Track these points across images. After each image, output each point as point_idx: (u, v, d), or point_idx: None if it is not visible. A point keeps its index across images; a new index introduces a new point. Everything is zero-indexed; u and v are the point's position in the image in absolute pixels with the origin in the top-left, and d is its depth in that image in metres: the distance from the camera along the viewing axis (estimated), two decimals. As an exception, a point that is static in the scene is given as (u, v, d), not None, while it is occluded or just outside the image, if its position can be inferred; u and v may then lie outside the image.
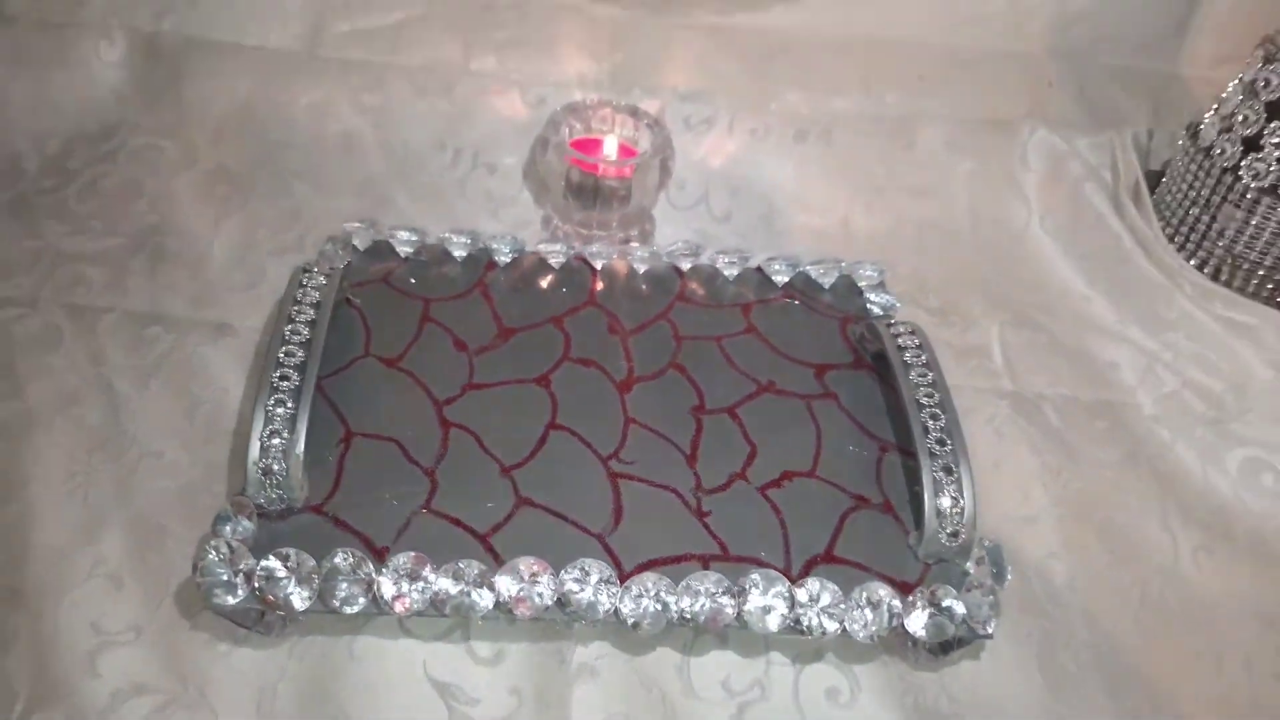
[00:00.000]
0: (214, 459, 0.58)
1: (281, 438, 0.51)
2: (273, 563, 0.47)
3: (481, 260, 0.67)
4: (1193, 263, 0.74)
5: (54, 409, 0.59)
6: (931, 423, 0.55)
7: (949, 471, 0.53)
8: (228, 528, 0.49)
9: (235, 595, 0.47)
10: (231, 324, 0.66)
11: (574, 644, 0.52)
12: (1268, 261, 0.70)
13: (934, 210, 0.82)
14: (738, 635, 0.53)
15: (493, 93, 0.82)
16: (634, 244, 0.68)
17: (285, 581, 0.47)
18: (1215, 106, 0.73)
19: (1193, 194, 0.72)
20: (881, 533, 0.54)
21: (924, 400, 0.56)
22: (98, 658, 0.49)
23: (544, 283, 0.67)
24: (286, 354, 0.54)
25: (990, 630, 0.50)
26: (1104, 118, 0.86)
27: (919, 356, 0.58)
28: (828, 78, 0.88)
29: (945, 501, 0.52)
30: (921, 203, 0.82)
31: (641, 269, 0.68)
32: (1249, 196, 0.68)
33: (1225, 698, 0.54)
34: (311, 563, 0.48)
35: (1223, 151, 0.69)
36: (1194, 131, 0.74)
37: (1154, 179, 0.81)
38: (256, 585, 0.47)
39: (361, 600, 0.48)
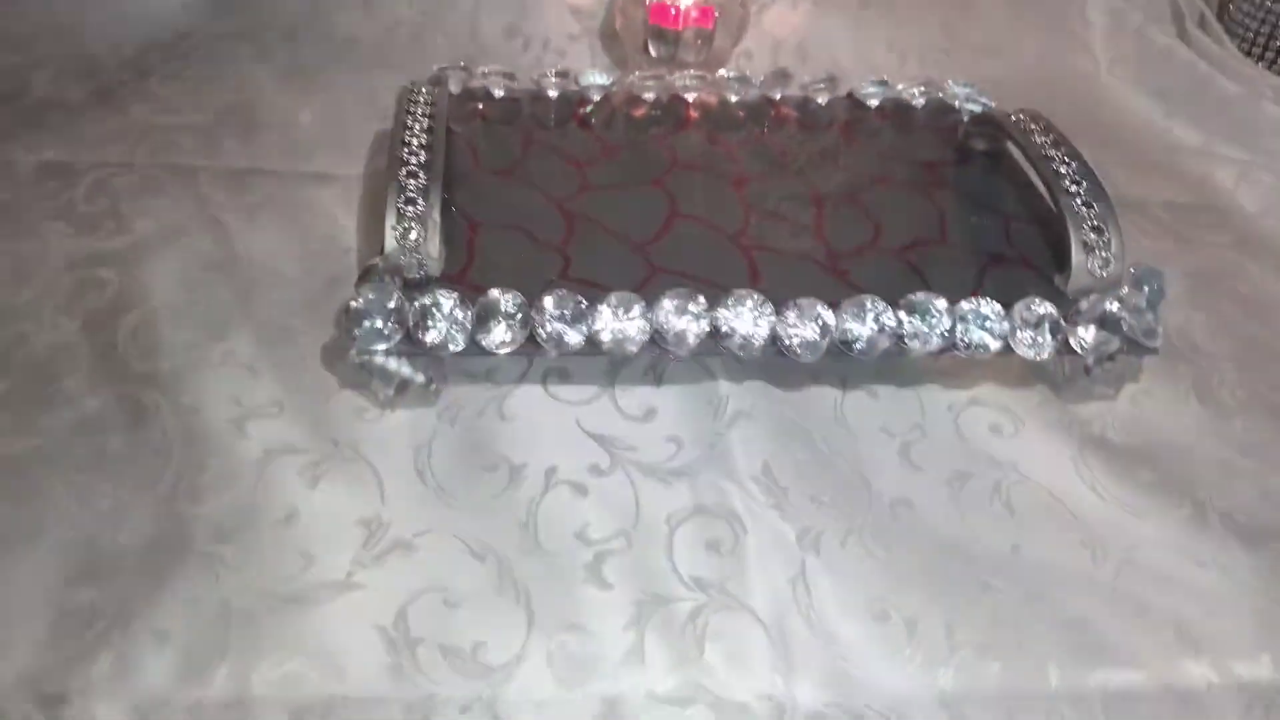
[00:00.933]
0: (335, 273, 0.57)
1: (416, 205, 0.50)
2: (425, 300, 0.46)
3: (574, 98, 0.67)
4: (1275, 69, 0.75)
5: (163, 240, 0.59)
6: (1064, 167, 0.54)
7: (1089, 206, 0.52)
8: (373, 281, 0.48)
9: (388, 339, 0.46)
10: (331, 173, 0.66)
11: (723, 391, 0.50)
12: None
13: (1001, 69, 0.83)
14: (888, 378, 0.52)
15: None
16: (724, 77, 0.68)
17: (438, 323, 0.46)
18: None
19: (1263, 5, 0.73)
20: (1026, 281, 0.53)
21: (1052, 153, 0.55)
22: (245, 424, 0.48)
23: (639, 113, 0.67)
24: (411, 136, 0.53)
25: (1156, 343, 0.49)
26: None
27: (1038, 124, 0.58)
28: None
29: (1089, 233, 0.51)
30: (988, 62, 0.83)
31: (734, 98, 0.68)
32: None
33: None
34: (465, 305, 0.47)
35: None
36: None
37: (1220, 9, 0.82)
38: (412, 323, 0.46)
39: (516, 340, 0.46)
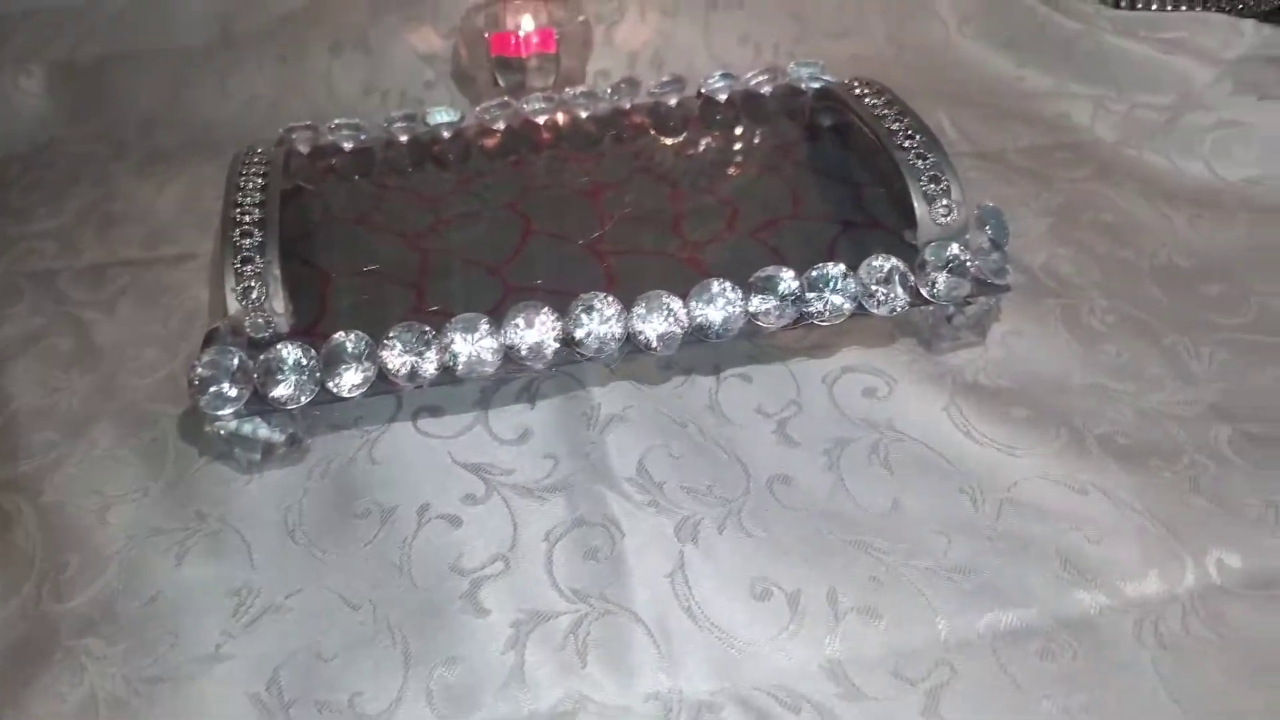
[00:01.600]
0: (196, 349, 0.56)
1: (254, 264, 0.49)
2: (273, 353, 0.45)
3: (425, 139, 0.67)
4: (1122, 5, 0.76)
5: (20, 345, 0.58)
6: (896, 124, 0.55)
7: (923, 157, 0.53)
8: (216, 349, 0.47)
9: (234, 403, 0.45)
10: (192, 252, 0.65)
11: (596, 399, 0.50)
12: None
13: (856, 47, 0.84)
14: (760, 359, 0.51)
15: (406, 32, 0.83)
16: (569, 91, 0.68)
17: (286, 374, 0.45)
18: None
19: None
20: (876, 242, 0.53)
21: (884, 114, 0.56)
22: (107, 513, 0.46)
23: (491, 143, 0.66)
24: (243, 195, 0.52)
25: (1007, 281, 0.49)
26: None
27: (872, 89, 0.59)
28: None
29: (927, 184, 0.52)
30: (842, 43, 0.84)
31: (584, 114, 0.68)
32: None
33: (1260, 326, 0.53)
34: (311, 353, 0.46)
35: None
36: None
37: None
38: (257, 380, 0.45)
39: (366, 380, 0.46)
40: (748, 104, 0.69)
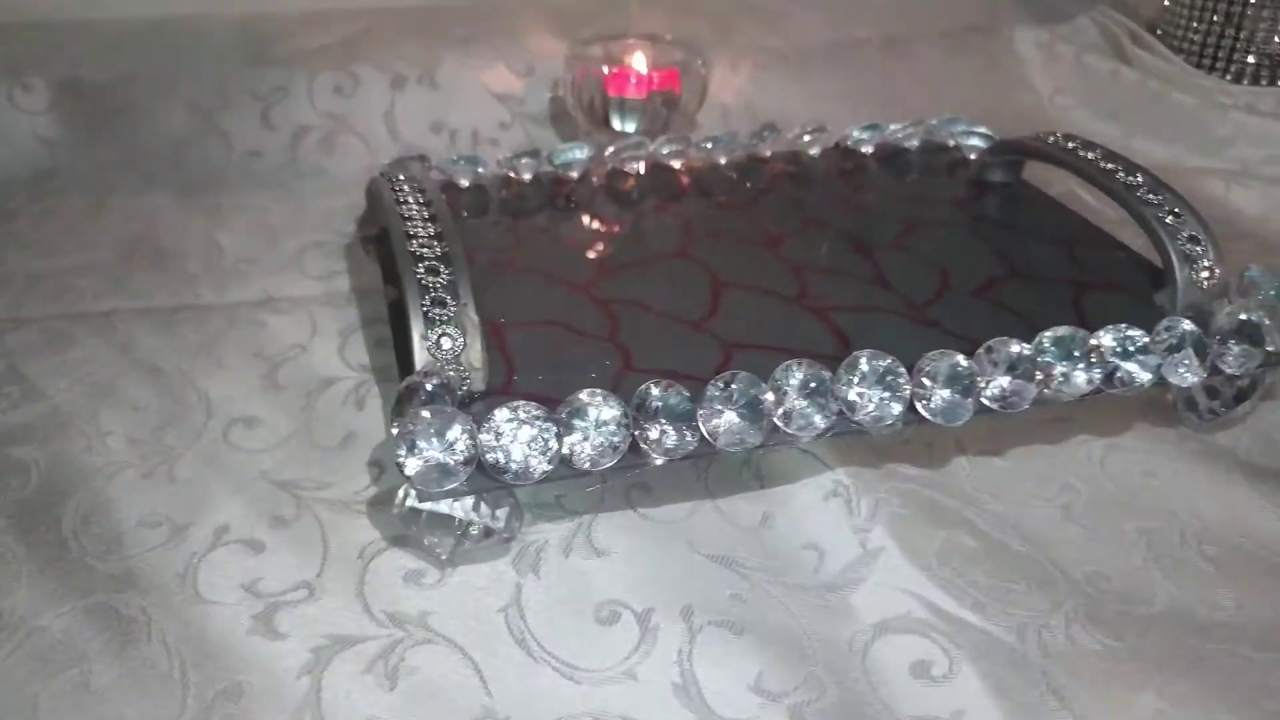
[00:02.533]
0: (321, 411, 0.47)
1: (446, 306, 0.40)
2: (501, 416, 0.36)
3: (549, 180, 0.59)
4: (1227, 79, 0.75)
5: (88, 400, 0.46)
6: (1131, 179, 0.50)
7: (1176, 215, 0.48)
8: (433, 410, 0.37)
9: (454, 476, 0.35)
10: (277, 297, 0.55)
11: (846, 481, 0.42)
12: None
13: (950, 111, 0.80)
14: (1014, 444, 0.45)
15: (477, 70, 0.76)
16: (707, 139, 0.62)
17: (515, 446, 0.36)
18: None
19: (1205, 16, 0.73)
20: (1122, 305, 0.48)
21: (1110, 166, 0.51)
22: (273, 619, 0.36)
23: (628, 185, 0.59)
24: (412, 224, 0.43)
25: (1290, 349, 0.44)
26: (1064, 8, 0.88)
27: (1072, 141, 0.54)
28: (796, 21, 0.86)
29: (1185, 244, 0.47)
30: (937, 107, 0.80)
31: (722, 160, 0.62)
32: (1268, -1, 0.70)
33: None
34: (545, 416, 0.37)
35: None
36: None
37: (1151, 29, 0.82)
38: (485, 451, 0.36)
39: (619, 445, 0.37)
40: (894, 158, 0.63)
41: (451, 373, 0.39)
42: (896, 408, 0.39)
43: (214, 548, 0.39)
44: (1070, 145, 0.54)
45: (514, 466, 0.36)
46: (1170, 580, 0.39)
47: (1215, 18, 0.73)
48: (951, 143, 0.64)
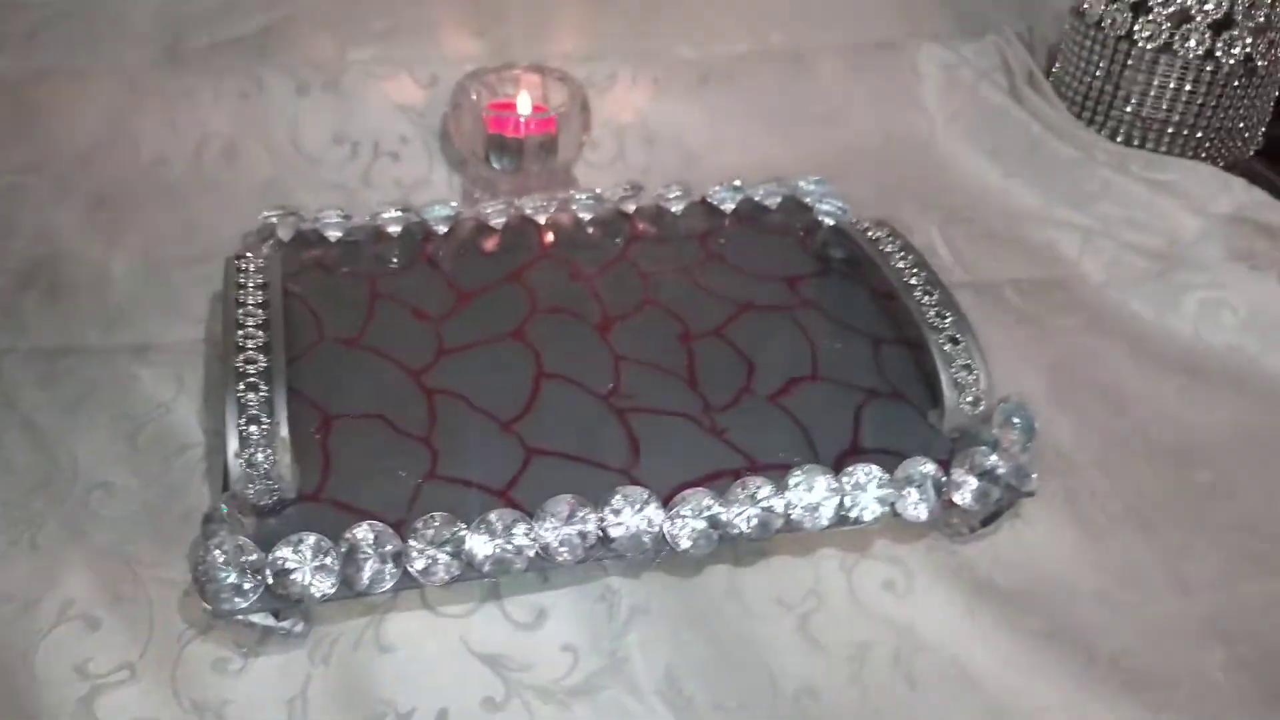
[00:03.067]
0: (173, 480, 0.52)
1: (260, 424, 0.45)
2: (284, 551, 0.42)
3: (418, 234, 0.63)
4: (1103, 133, 0.77)
5: (-31, 458, 0.52)
6: (927, 298, 0.54)
7: (955, 341, 0.52)
8: (221, 528, 0.43)
9: (246, 597, 0.42)
10: (152, 343, 0.60)
11: (617, 586, 0.48)
12: (1174, 118, 0.73)
13: (845, 134, 0.83)
14: (781, 545, 0.51)
15: (381, 78, 0.78)
16: (574, 192, 0.66)
17: (301, 570, 0.42)
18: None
19: (1090, 69, 0.75)
20: (900, 418, 0.53)
21: (913, 281, 0.55)
22: (94, 703, 0.43)
23: (490, 245, 0.63)
24: (245, 336, 0.48)
25: (1033, 486, 0.49)
26: (980, 25, 0.89)
27: (895, 242, 0.58)
28: (712, 26, 0.87)
29: (959, 371, 0.52)
30: (832, 129, 0.83)
31: (587, 216, 0.65)
32: (1146, 58, 0.71)
33: (1247, 524, 0.55)
34: (327, 544, 0.43)
35: (1113, 21, 0.72)
36: (1079, 10, 0.77)
37: (1045, 68, 0.84)
38: (270, 579, 0.42)
39: (390, 577, 0.43)
40: (753, 218, 0.67)
41: (258, 487, 0.45)
42: (650, 535, 0.45)
43: (57, 623, 0.45)
44: (888, 248, 0.58)
45: (296, 592, 0.42)
46: (866, 702, 0.45)
47: (1098, 71, 0.75)
48: (810, 203, 0.67)
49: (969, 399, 0.51)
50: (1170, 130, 0.74)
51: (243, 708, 0.43)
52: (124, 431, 0.54)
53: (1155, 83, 0.72)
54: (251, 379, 0.47)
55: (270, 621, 0.44)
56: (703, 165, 0.79)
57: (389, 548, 0.43)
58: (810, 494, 0.47)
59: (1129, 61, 0.72)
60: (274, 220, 0.61)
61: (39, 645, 0.45)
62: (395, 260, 0.61)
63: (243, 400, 0.46)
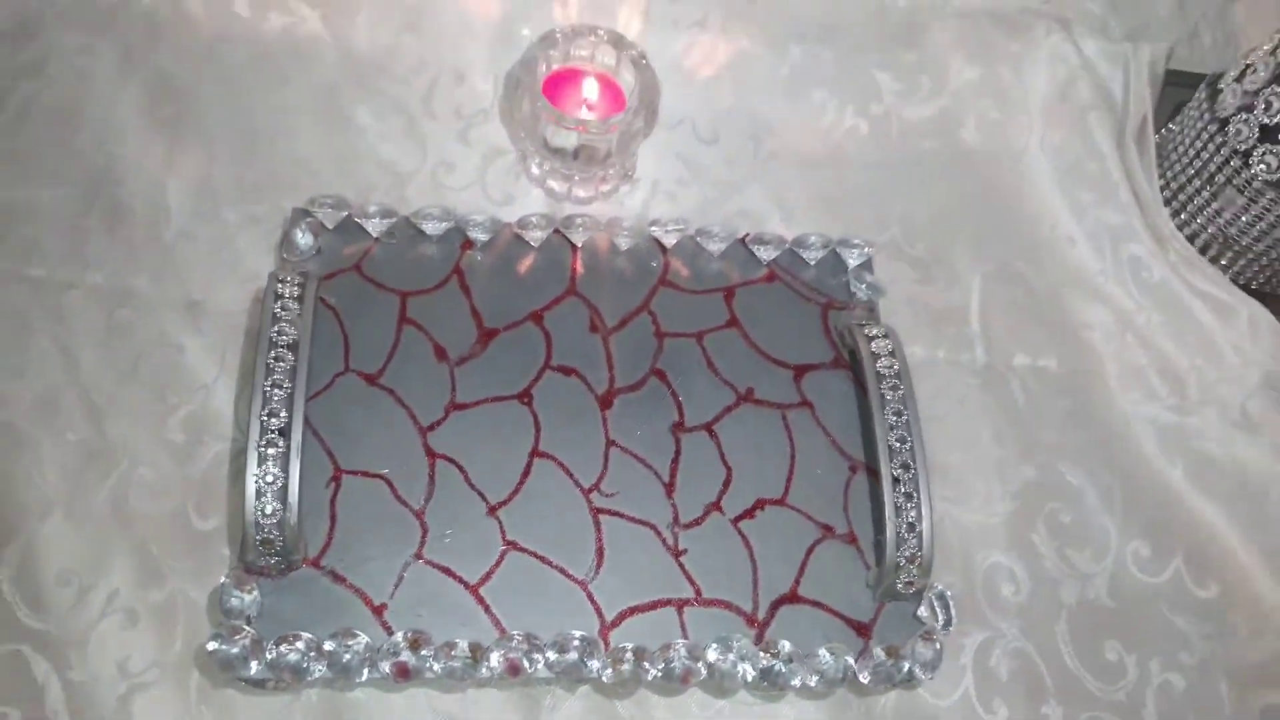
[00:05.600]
0: (204, 476, 0.59)
1: (275, 509, 0.52)
2: (285, 649, 0.51)
3: (456, 240, 0.65)
4: (1185, 231, 0.73)
5: (37, 421, 0.59)
6: (902, 472, 0.57)
7: (912, 529, 0.56)
8: (234, 602, 0.52)
9: (250, 670, 0.51)
10: (200, 302, 0.64)
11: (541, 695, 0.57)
12: (1259, 249, 0.68)
13: (934, 125, 0.78)
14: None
15: (461, -14, 0.74)
16: (616, 222, 0.65)
17: (296, 659, 0.51)
18: (1241, 71, 0.67)
19: (1198, 162, 0.69)
20: (843, 567, 0.59)
21: (895, 444, 0.58)
22: (129, 704, 0.54)
23: (522, 266, 0.65)
24: (269, 414, 0.53)
25: (931, 676, 0.56)
26: (1130, 20, 0.79)
27: (895, 388, 0.59)
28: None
29: (904, 554, 0.56)
30: (922, 115, 0.78)
31: (623, 246, 0.66)
32: (1255, 186, 0.65)
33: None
34: (317, 643, 0.52)
35: (1239, 132, 0.65)
36: (1213, 92, 0.69)
37: (1161, 120, 0.76)
38: (269, 664, 0.51)
39: (366, 670, 0.52)
40: (788, 277, 0.67)
41: (270, 559, 0.53)
42: (586, 670, 0.53)
43: (104, 615, 0.55)
44: (880, 366, 0.59)
45: (289, 675, 0.52)
46: None
47: (1198, 167, 0.69)
48: (848, 266, 0.67)
49: (904, 579, 0.57)
50: (1247, 259, 0.70)
51: (248, 720, 0.55)
52: (165, 411, 0.60)
53: (1254, 212, 0.66)
54: (269, 462, 0.52)
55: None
56: (774, 142, 0.76)
57: (367, 654, 0.52)
58: (731, 659, 0.54)
59: (1236, 179, 0.66)
60: (320, 209, 0.63)
61: (90, 637, 0.55)
62: (430, 272, 0.63)
63: (261, 486, 0.52)
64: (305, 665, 0.52)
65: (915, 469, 0.57)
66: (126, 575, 0.56)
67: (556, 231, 0.65)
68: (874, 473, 0.61)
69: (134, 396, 0.61)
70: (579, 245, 0.65)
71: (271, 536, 0.52)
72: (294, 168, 0.69)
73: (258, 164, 0.69)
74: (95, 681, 0.54)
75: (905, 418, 0.58)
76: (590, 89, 0.68)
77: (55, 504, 0.57)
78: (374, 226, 0.64)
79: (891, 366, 0.60)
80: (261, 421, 0.53)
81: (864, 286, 0.66)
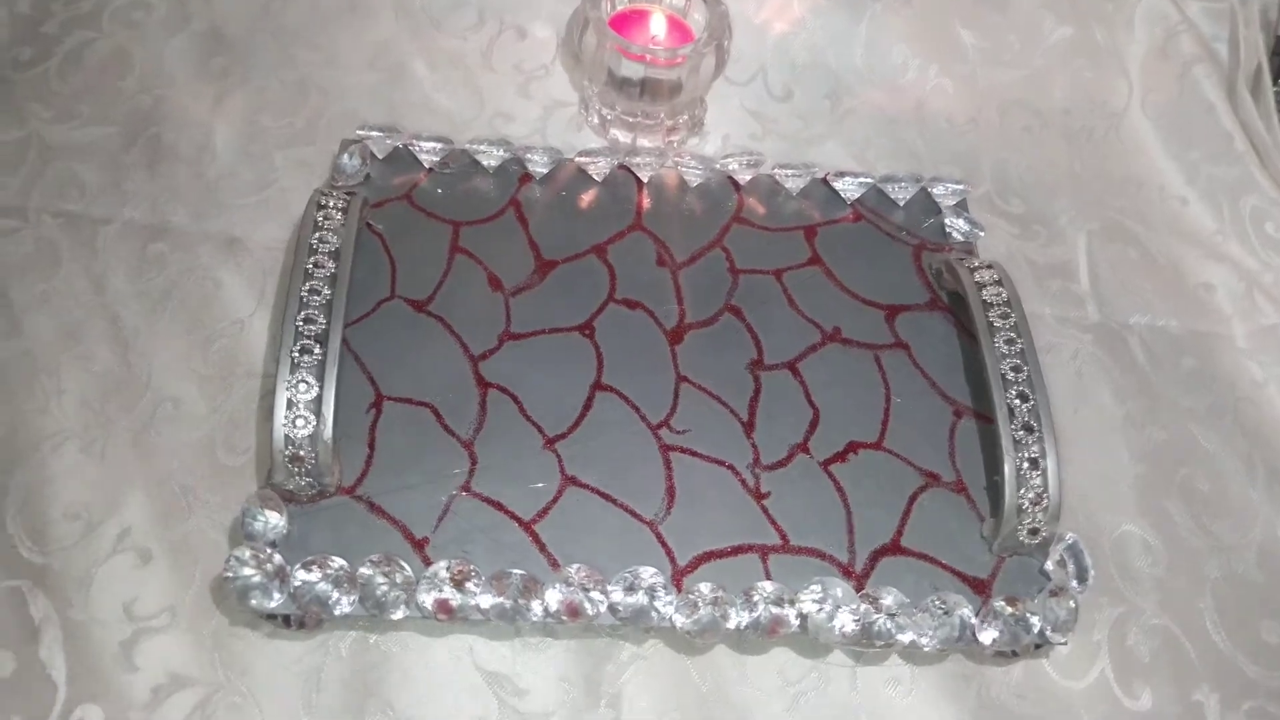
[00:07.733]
0: (235, 410, 0.54)
1: (307, 421, 0.46)
2: (309, 574, 0.44)
3: (514, 172, 0.60)
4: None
5: (58, 348, 0.55)
6: (1019, 404, 0.49)
7: (1035, 465, 0.48)
8: (257, 524, 0.46)
9: (272, 599, 0.44)
10: (241, 239, 0.60)
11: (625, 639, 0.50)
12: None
13: (1024, 86, 0.73)
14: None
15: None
16: (685, 153, 0.60)
17: (324, 589, 0.45)
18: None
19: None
20: (953, 518, 0.51)
21: (1009, 374, 0.50)
22: (133, 649, 0.47)
23: (584, 200, 0.60)
24: (306, 320, 0.47)
25: (1066, 639, 0.47)
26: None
27: (1005, 315, 0.52)
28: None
29: (1028, 496, 0.48)
30: (1011, 77, 0.73)
31: (693, 181, 0.61)
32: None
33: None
34: (347, 569, 0.45)
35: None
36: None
37: (1275, 69, 0.71)
38: (293, 593, 0.44)
39: (403, 607, 0.45)
40: (875, 218, 0.61)
41: (299, 482, 0.47)
42: (655, 616, 0.46)
43: (114, 553, 0.49)
44: (987, 294, 0.52)
45: (315, 608, 0.45)
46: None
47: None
48: (941, 206, 0.61)
49: (1028, 527, 0.48)
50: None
51: (265, 673, 0.47)
52: (198, 343, 0.56)
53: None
54: (303, 375, 0.46)
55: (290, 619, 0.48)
56: (851, 100, 0.71)
57: (402, 583, 0.45)
58: (827, 610, 0.46)
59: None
60: (370, 138, 0.58)
61: (95, 575, 0.49)
62: (485, 204, 0.58)
63: (293, 398, 0.46)
64: (334, 597, 0.44)
65: (1034, 399, 0.49)
66: (143, 511, 0.51)
67: (621, 166, 0.60)
68: (982, 417, 0.53)
69: (164, 328, 0.56)
70: (645, 180, 0.60)
71: (303, 453, 0.46)
72: (345, 116, 0.66)
73: (308, 111, 0.66)
74: (96, 623, 0.47)
75: (1019, 345, 0.51)
76: (658, 24, 0.64)
77: (71, 435, 0.52)
78: (426, 157, 0.59)
79: (1000, 294, 0.53)
80: (297, 327, 0.47)
81: (961, 224, 0.60)
